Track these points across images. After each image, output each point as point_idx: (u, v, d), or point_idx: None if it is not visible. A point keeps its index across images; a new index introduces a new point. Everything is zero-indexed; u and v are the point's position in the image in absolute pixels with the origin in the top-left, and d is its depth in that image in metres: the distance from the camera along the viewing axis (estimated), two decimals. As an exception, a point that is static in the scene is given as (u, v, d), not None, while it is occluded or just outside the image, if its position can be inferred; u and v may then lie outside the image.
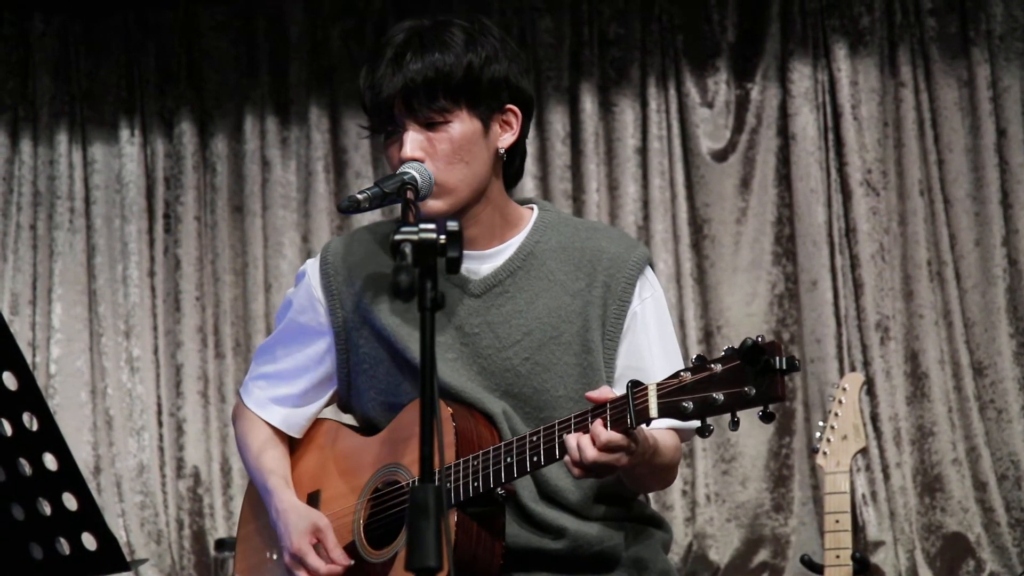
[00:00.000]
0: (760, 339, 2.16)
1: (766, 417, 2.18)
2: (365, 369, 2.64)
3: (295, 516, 2.62)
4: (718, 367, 2.21)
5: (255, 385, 2.79)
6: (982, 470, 5.08)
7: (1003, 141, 5.16)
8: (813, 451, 3.72)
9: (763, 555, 5.25)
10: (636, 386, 2.29)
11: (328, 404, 2.78)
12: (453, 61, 2.51)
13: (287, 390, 2.75)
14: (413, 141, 2.51)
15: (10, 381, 2.11)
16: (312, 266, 2.72)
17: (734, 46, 5.43)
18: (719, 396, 2.20)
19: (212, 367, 5.63)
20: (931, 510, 5.13)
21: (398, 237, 2.02)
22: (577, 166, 5.49)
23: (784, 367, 2.15)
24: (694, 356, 2.27)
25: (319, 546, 2.58)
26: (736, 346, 2.19)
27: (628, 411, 2.28)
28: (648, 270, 2.65)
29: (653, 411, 2.26)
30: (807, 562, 3.80)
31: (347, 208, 2.40)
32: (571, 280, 2.60)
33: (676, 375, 2.25)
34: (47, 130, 5.70)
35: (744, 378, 2.18)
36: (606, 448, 2.30)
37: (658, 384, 2.27)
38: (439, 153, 2.51)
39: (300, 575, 2.57)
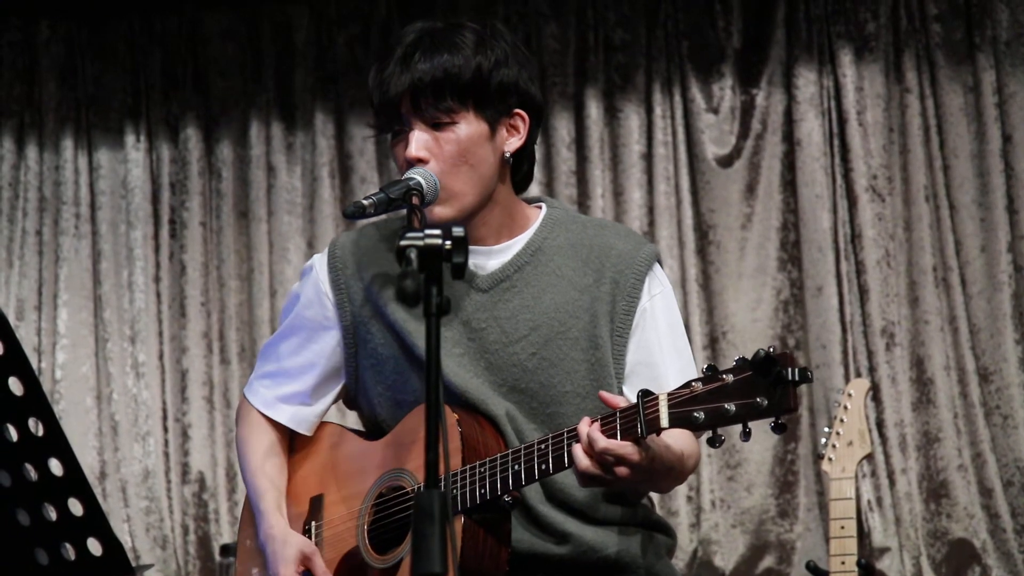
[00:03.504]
0: (772, 350, 2.16)
1: (778, 428, 2.19)
2: (373, 364, 2.63)
3: (280, 544, 2.59)
4: (730, 377, 2.20)
5: (261, 384, 2.76)
6: (988, 476, 5.07)
7: (1008, 147, 5.16)
8: (819, 457, 3.71)
9: (768, 561, 5.24)
10: (647, 395, 2.28)
11: (336, 399, 2.76)
12: (462, 62, 2.50)
13: (294, 387, 2.73)
14: (419, 140, 2.50)
15: (16, 386, 2.11)
16: (320, 260, 2.70)
17: (739, 52, 5.43)
18: (731, 407, 2.19)
19: (217, 372, 5.64)
20: (937, 516, 5.13)
21: (403, 243, 2.01)
22: (582, 172, 5.49)
23: (797, 378, 2.15)
24: (704, 365, 2.26)
25: (307, 574, 2.56)
26: (747, 356, 2.18)
27: (639, 420, 2.28)
28: (657, 267, 2.64)
29: (664, 421, 2.25)
30: (812, 568, 3.79)
31: (352, 214, 2.39)
32: (579, 276, 2.59)
33: (687, 385, 2.25)
34: (53, 136, 5.71)
35: (756, 389, 2.17)
36: (607, 452, 2.30)
37: (669, 394, 2.26)
38: (444, 154, 2.50)
39: None
